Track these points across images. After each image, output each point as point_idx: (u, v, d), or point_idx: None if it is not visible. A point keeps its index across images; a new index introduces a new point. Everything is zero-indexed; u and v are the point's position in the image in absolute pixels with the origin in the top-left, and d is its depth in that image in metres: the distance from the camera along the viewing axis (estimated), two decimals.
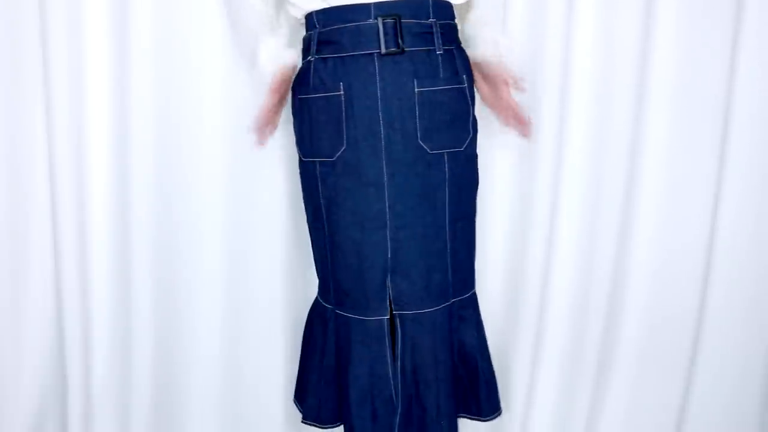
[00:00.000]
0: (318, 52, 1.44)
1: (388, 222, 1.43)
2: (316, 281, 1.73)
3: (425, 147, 1.42)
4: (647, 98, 1.67)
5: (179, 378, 1.83)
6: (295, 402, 1.68)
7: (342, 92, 1.41)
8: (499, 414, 1.61)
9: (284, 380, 1.82)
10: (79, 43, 1.65)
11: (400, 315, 1.47)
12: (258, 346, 1.80)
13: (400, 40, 1.39)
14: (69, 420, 1.81)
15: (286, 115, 1.62)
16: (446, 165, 1.45)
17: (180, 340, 1.81)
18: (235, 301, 1.80)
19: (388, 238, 1.43)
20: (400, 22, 1.39)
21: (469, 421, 1.85)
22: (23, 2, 1.67)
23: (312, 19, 1.45)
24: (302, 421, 1.60)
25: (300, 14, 1.48)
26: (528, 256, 1.82)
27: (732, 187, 1.70)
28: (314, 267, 1.78)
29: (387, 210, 1.42)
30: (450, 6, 1.47)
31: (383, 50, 1.39)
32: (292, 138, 1.72)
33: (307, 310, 1.67)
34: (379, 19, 1.39)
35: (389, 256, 1.44)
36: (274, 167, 1.74)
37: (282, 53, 1.51)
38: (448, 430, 1.52)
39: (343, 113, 1.41)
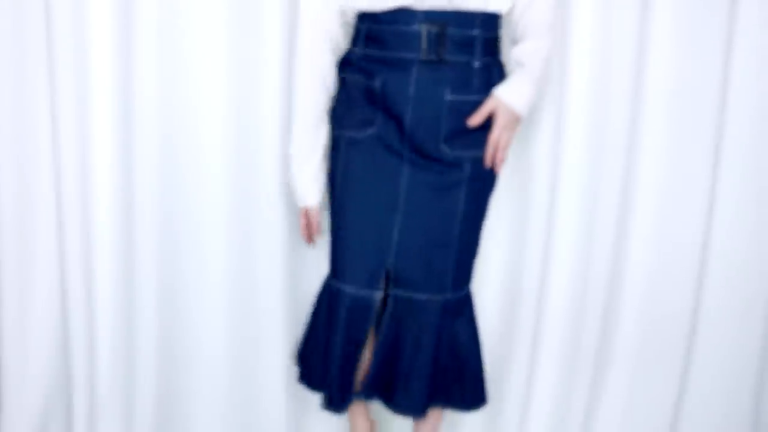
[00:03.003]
0: (365, 45, 1.49)
1: (400, 206, 1.50)
2: (319, 281, 1.75)
3: (447, 150, 1.48)
4: (643, 100, 1.68)
5: (183, 378, 1.83)
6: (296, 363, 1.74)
7: (379, 85, 1.47)
8: (483, 405, 1.65)
9: (287, 379, 1.83)
10: (84, 45, 1.64)
11: (395, 295, 1.54)
12: (261, 346, 1.80)
13: (440, 49, 1.44)
14: (74, 420, 1.80)
15: None
16: (467, 167, 1.51)
17: (184, 340, 1.81)
18: (238, 301, 1.80)
19: (397, 221, 1.50)
20: (444, 32, 1.43)
21: (468, 419, 1.88)
22: (29, 3, 1.67)
23: (364, 16, 1.48)
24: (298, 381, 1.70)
25: (352, 14, 1.51)
26: (525, 255, 1.83)
27: (727, 187, 1.71)
28: (317, 267, 1.81)
29: (401, 194, 1.49)
30: (497, 17, 1.49)
31: (423, 57, 1.44)
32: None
33: (310, 310, 1.70)
34: (424, 27, 1.43)
35: (396, 239, 1.51)
36: (278, 167, 1.74)
37: (311, 188, 1.60)
38: (412, 408, 1.59)
39: (377, 102, 1.48)
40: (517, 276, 1.85)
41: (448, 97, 1.46)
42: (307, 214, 1.63)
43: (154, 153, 1.74)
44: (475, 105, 1.48)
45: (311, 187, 1.59)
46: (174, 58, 1.70)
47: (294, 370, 1.80)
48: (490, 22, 1.47)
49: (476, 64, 1.47)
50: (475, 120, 1.48)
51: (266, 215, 1.76)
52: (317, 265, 1.81)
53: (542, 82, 1.57)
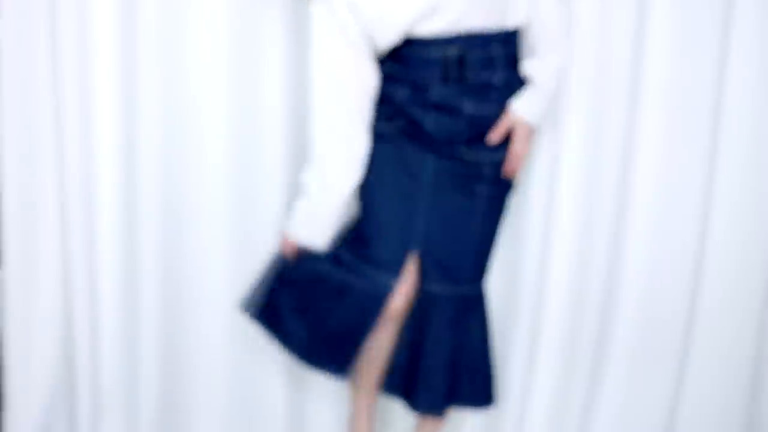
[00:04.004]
0: (387, 65, 1.50)
1: (425, 196, 1.53)
2: None
3: (467, 153, 1.52)
4: (640, 100, 1.68)
5: (187, 377, 1.83)
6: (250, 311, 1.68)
7: (399, 99, 1.50)
8: (492, 404, 1.66)
9: (289, 376, 1.83)
10: (88, 47, 1.65)
11: (419, 288, 1.57)
12: (263, 346, 1.80)
13: (461, 71, 1.46)
14: (78, 419, 1.81)
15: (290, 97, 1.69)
16: (486, 169, 1.54)
17: (187, 340, 1.81)
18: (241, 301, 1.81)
19: (422, 211, 1.53)
20: (464, 56, 1.45)
21: (468, 418, 1.89)
22: (33, 7, 1.67)
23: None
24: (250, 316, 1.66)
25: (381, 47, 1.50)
26: (524, 254, 1.82)
27: (724, 186, 1.71)
28: None
29: (425, 184, 1.53)
30: (515, 33, 1.51)
31: (444, 78, 1.46)
32: (293, 138, 1.75)
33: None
34: (445, 52, 1.44)
35: (422, 228, 1.54)
36: (279, 167, 1.74)
37: (303, 228, 1.57)
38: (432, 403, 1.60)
39: (399, 110, 1.50)
40: (515, 274, 1.84)
41: (468, 110, 1.48)
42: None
43: (157, 153, 1.74)
44: (494, 117, 1.50)
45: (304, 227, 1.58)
46: (176, 57, 1.69)
47: (296, 368, 1.80)
48: (509, 38, 1.49)
49: (496, 81, 1.49)
50: (495, 137, 1.50)
51: (268, 214, 1.76)
52: None
53: (555, 92, 1.58)
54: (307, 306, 1.59)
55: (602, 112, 1.73)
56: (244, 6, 1.67)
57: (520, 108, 1.50)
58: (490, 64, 1.47)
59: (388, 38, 1.45)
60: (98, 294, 1.76)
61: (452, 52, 1.44)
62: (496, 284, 1.82)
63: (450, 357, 1.58)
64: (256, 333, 1.74)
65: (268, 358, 1.82)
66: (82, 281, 1.76)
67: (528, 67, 1.51)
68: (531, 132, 1.54)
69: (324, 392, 1.88)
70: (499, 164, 1.54)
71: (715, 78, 1.69)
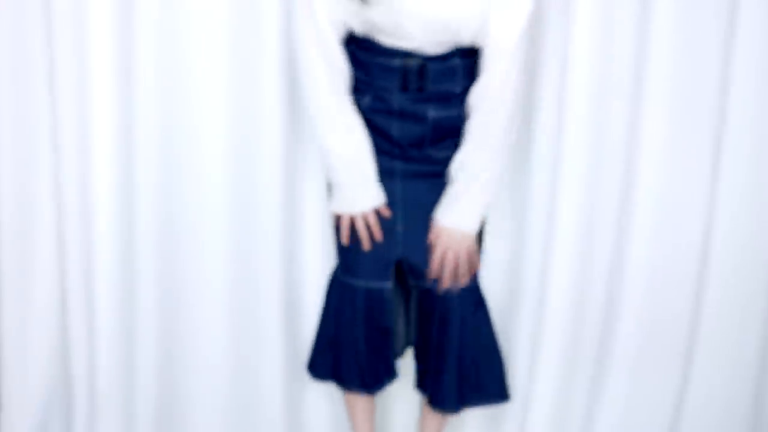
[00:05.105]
0: (354, 68, 1.49)
1: (399, 200, 1.52)
2: (318, 280, 1.75)
3: (434, 152, 1.51)
4: (644, 100, 1.67)
5: (183, 378, 1.83)
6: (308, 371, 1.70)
7: (364, 105, 1.49)
8: (507, 400, 1.65)
9: (286, 377, 1.83)
10: (85, 46, 1.64)
11: (417, 287, 1.57)
12: (260, 346, 1.81)
13: (422, 81, 1.46)
14: (74, 419, 1.82)
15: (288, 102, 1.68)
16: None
17: (184, 340, 1.81)
18: (237, 302, 1.80)
19: (399, 215, 1.52)
20: (425, 66, 1.44)
21: (470, 419, 1.88)
22: (29, 5, 1.67)
23: (351, 39, 1.49)
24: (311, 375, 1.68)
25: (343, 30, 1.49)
26: (526, 254, 1.82)
27: (727, 187, 1.70)
28: (315, 267, 1.81)
29: (397, 188, 1.52)
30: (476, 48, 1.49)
31: (405, 87, 1.46)
32: (292, 138, 1.74)
33: (309, 310, 1.70)
34: (405, 62, 1.44)
35: (401, 231, 1.53)
36: (276, 165, 1.73)
37: (375, 185, 1.52)
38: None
39: (367, 116, 1.50)
40: (518, 275, 1.84)
41: (432, 114, 1.48)
42: (368, 216, 1.53)
43: (154, 155, 1.74)
44: (458, 120, 1.49)
45: (376, 183, 1.52)
46: (174, 59, 1.69)
47: (294, 368, 1.81)
48: (470, 50, 1.47)
49: (457, 89, 1.48)
50: (433, 268, 1.50)
51: (266, 215, 1.76)
52: (315, 265, 1.81)
53: (492, 184, 1.49)
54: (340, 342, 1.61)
55: (605, 111, 1.72)
56: (243, 6, 1.67)
57: (445, 217, 1.49)
58: (451, 74, 1.47)
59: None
60: (94, 295, 1.76)
61: (413, 62, 1.44)
62: (498, 285, 1.82)
63: (459, 353, 1.58)
64: (252, 335, 1.74)
65: (265, 360, 1.82)
66: (78, 282, 1.76)
67: (454, 167, 1.49)
68: (465, 237, 1.50)
69: (322, 393, 1.88)
70: None
71: (719, 77, 1.68)
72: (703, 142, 1.72)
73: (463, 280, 1.53)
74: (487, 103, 1.43)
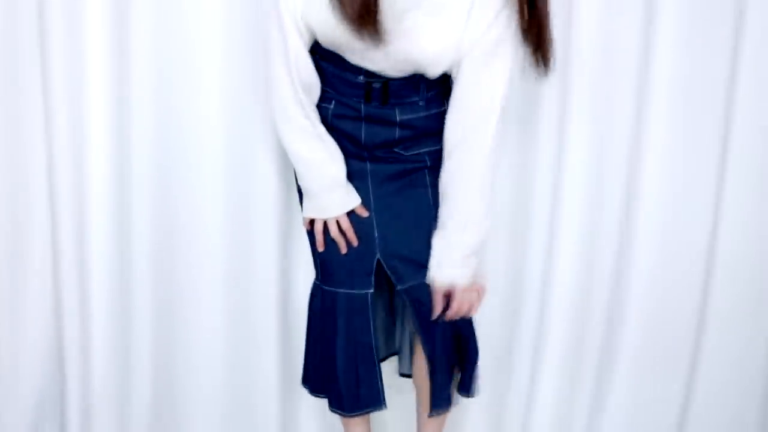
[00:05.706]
0: (315, 65, 1.49)
1: (372, 204, 1.52)
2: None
3: (403, 152, 1.52)
4: (648, 100, 1.68)
5: (178, 379, 1.83)
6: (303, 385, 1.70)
7: (331, 114, 1.51)
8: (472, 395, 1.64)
9: (281, 380, 1.83)
10: (79, 44, 1.64)
11: (402, 291, 1.55)
12: (256, 347, 1.80)
13: (385, 97, 1.47)
14: (68, 420, 1.80)
15: None
16: (425, 158, 1.52)
17: (179, 341, 1.81)
18: (233, 302, 1.80)
19: (374, 218, 1.52)
20: (388, 84, 1.46)
21: (471, 419, 1.87)
22: (22, 4, 1.67)
23: (316, 47, 1.49)
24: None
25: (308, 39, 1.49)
26: (530, 255, 1.83)
27: (733, 186, 1.71)
28: (312, 267, 1.79)
29: (370, 191, 1.52)
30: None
31: (369, 102, 1.48)
32: None
33: (306, 310, 1.68)
34: (368, 80, 1.45)
35: (377, 235, 1.52)
36: (271, 166, 1.74)
37: (347, 188, 1.52)
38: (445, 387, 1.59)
39: (334, 124, 1.50)
40: (521, 275, 1.85)
41: (398, 118, 1.49)
42: (340, 220, 1.53)
43: (149, 153, 1.74)
44: (425, 119, 1.49)
45: (347, 187, 1.53)
46: (170, 57, 1.69)
47: (289, 374, 1.81)
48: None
49: (421, 103, 1.49)
50: (438, 310, 1.49)
51: (262, 214, 1.76)
52: (312, 270, 1.78)
53: (483, 223, 1.47)
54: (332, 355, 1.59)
55: (609, 110, 1.73)
56: (241, 6, 1.67)
57: (438, 275, 1.48)
58: (415, 89, 1.48)
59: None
60: (89, 297, 1.75)
61: (376, 82, 1.46)
62: (500, 286, 1.83)
63: (447, 351, 1.57)
64: (247, 335, 1.75)
65: (260, 363, 1.82)
66: (72, 283, 1.76)
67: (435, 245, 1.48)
68: (466, 285, 1.49)
69: (317, 399, 1.84)
70: (439, 151, 1.50)
71: (725, 76, 1.69)
72: (708, 143, 1.73)
73: (473, 312, 1.52)
74: (465, 146, 1.42)
